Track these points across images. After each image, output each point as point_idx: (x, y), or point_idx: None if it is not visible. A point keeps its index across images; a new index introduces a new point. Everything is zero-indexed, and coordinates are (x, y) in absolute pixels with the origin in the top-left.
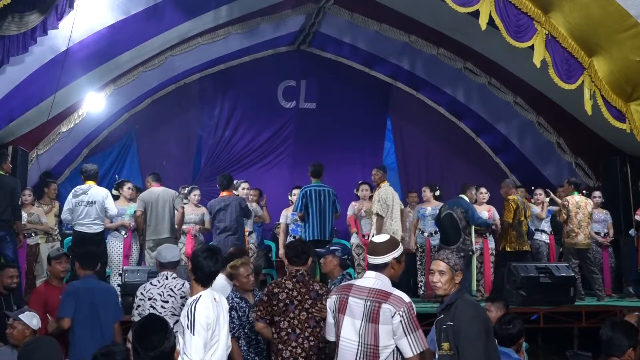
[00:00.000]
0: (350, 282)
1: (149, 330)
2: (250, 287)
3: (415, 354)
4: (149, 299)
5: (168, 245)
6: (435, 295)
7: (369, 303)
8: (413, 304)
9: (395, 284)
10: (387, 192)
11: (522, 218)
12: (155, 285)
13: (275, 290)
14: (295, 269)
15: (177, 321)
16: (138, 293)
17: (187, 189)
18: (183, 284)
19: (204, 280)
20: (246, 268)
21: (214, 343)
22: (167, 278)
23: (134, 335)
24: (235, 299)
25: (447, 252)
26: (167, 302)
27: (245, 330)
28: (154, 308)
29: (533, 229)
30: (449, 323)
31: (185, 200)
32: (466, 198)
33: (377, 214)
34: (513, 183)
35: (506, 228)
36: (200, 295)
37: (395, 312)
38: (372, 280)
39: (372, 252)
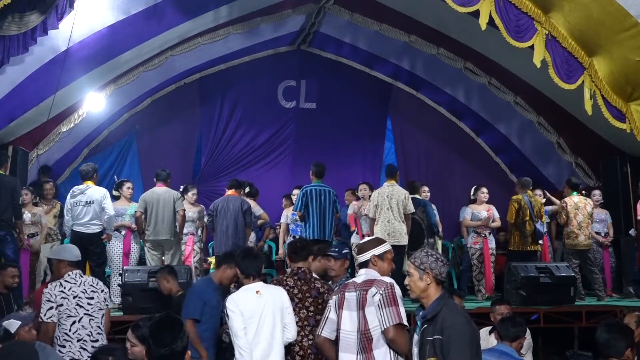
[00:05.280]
0: (347, 281)
1: (163, 327)
2: None
3: (386, 326)
4: (74, 297)
5: (68, 245)
6: None
7: (359, 292)
8: (395, 285)
9: None
10: (379, 194)
11: (527, 218)
12: (75, 284)
13: None
14: (297, 266)
15: (102, 315)
16: (56, 292)
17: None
18: (98, 282)
19: (250, 274)
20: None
21: (250, 332)
22: (81, 276)
23: (149, 332)
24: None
25: (417, 252)
26: (92, 298)
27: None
28: (81, 306)
29: (543, 230)
30: (437, 337)
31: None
32: (419, 197)
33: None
34: (526, 182)
35: (509, 228)
36: (241, 288)
37: (376, 292)
38: (362, 276)
39: (358, 252)
